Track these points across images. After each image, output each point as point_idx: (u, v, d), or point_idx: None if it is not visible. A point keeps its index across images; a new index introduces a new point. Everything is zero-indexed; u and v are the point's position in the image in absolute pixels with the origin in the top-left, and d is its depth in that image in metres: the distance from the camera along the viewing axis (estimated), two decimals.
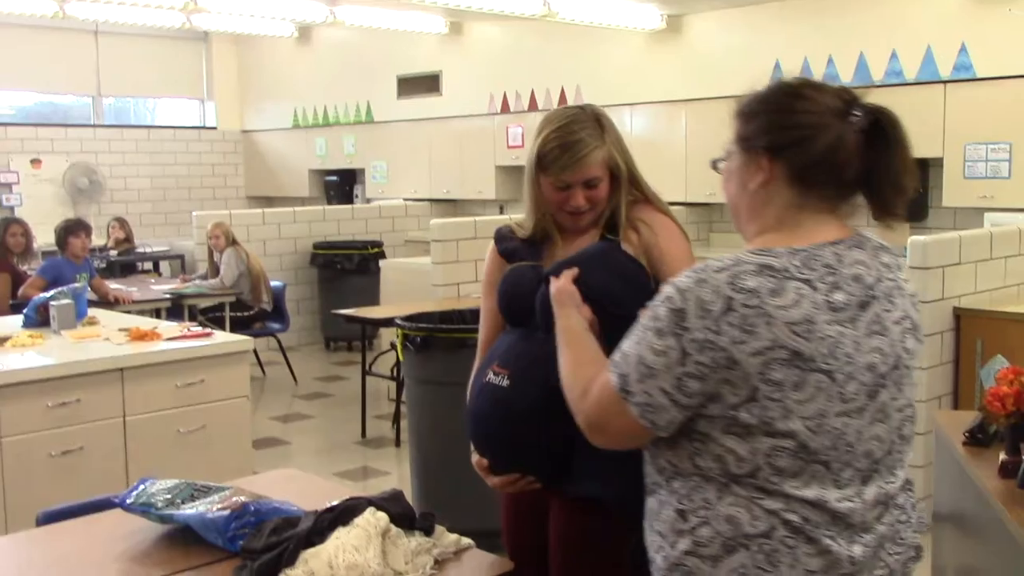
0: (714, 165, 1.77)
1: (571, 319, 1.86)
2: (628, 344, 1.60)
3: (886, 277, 1.61)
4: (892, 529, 1.62)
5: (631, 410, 1.57)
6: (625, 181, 2.17)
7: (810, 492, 1.53)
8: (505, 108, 9.50)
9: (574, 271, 1.94)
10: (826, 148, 1.56)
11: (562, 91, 9.02)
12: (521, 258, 2.23)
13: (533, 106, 9.26)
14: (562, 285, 1.91)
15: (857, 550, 1.56)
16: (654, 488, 1.67)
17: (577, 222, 2.18)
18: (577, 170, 2.11)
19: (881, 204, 1.60)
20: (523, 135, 9.26)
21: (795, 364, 1.49)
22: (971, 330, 4.60)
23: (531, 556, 2.22)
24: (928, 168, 6.77)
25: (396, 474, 5.51)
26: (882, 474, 1.60)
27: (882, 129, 1.57)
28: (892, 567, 1.61)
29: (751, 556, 1.54)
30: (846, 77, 7.06)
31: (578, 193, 2.13)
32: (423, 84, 10.25)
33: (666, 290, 1.56)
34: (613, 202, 2.16)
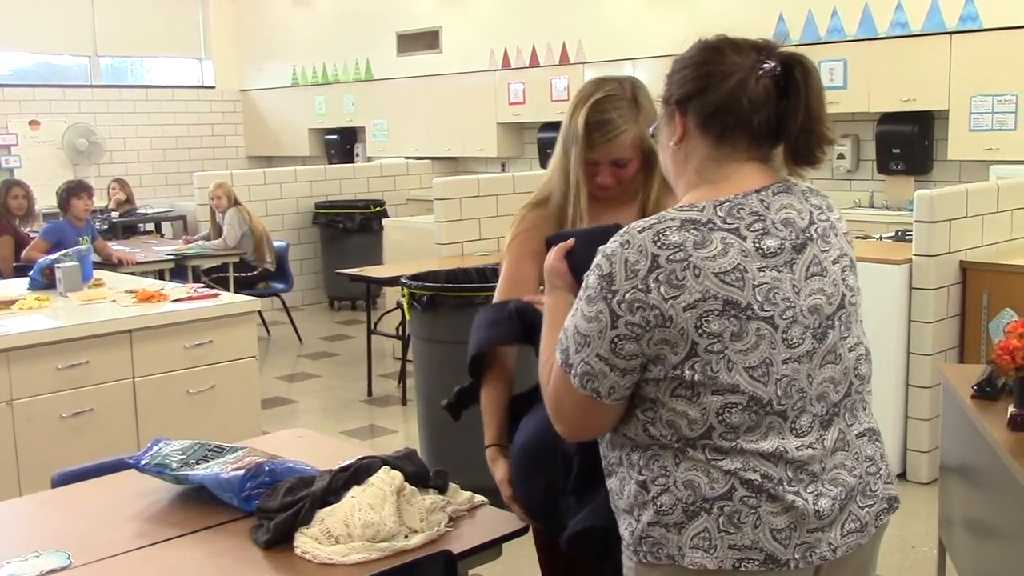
0: (652, 135, 1.78)
1: (555, 297, 1.77)
2: (567, 319, 1.58)
3: (818, 219, 1.60)
4: (861, 481, 1.60)
5: (575, 387, 1.55)
6: (659, 164, 2.15)
7: (768, 444, 1.52)
8: (506, 64, 9.42)
9: (567, 245, 1.80)
10: (727, 94, 1.56)
11: (563, 46, 8.94)
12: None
13: (534, 62, 9.18)
14: (551, 263, 1.80)
15: (824, 503, 1.55)
16: (613, 468, 1.65)
17: (603, 195, 2.18)
18: (605, 150, 2.10)
19: (793, 150, 1.58)
20: (524, 91, 9.19)
21: (730, 314, 1.48)
22: (977, 283, 4.59)
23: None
24: (933, 120, 6.73)
25: (403, 432, 5.54)
26: (842, 416, 1.60)
27: (792, 77, 1.56)
28: (863, 520, 1.60)
29: (713, 519, 1.52)
30: (851, 29, 7.00)
31: (605, 171, 2.13)
32: (423, 40, 10.16)
33: (596, 258, 1.55)
34: (645, 184, 2.15)
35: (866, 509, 1.61)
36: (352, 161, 10.88)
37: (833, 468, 1.57)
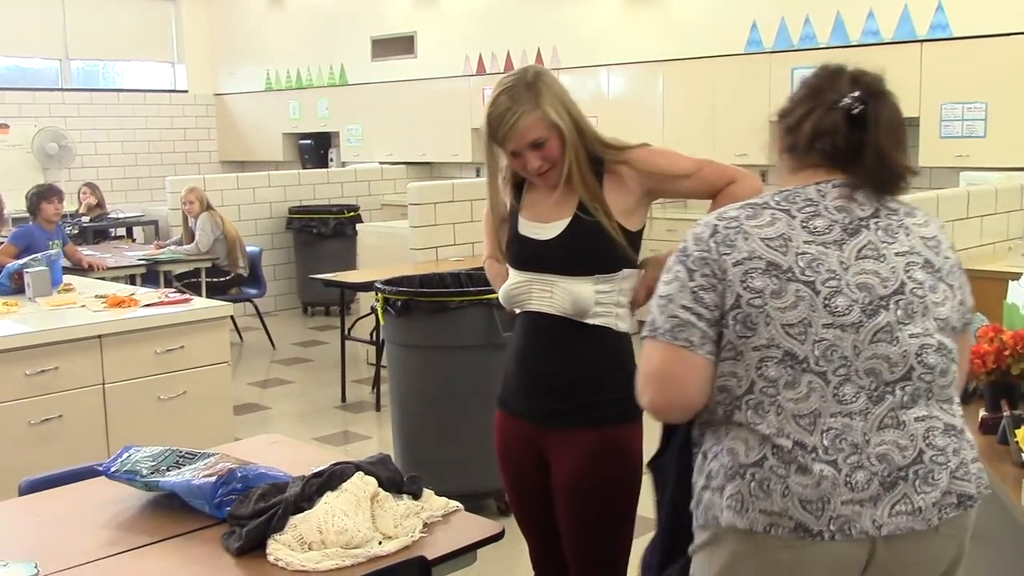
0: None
1: None
2: (651, 304, 1.80)
3: (887, 216, 1.73)
4: (921, 466, 1.64)
5: (662, 344, 1.70)
6: (572, 138, 2.18)
7: (807, 405, 1.62)
8: (481, 70, 9.41)
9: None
10: (796, 119, 1.77)
11: (538, 52, 8.95)
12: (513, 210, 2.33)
13: (509, 67, 9.18)
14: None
15: (860, 476, 1.61)
16: (694, 453, 1.78)
17: (546, 181, 2.23)
18: (514, 137, 2.16)
19: (871, 179, 1.72)
20: None
21: (772, 273, 1.65)
22: None
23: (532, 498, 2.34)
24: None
25: (377, 438, 5.51)
26: (898, 398, 1.65)
27: (867, 113, 1.71)
28: (919, 505, 1.63)
29: (746, 484, 1.64)
30: (823, 37, 7.05)
31: (529, 155, 2.18)
32: (397, 46, 10.14)
33: None
34: (567, 158, 2.18)
35: (923, 496, 1.64)
36: (326, 166, 10.84)
37: (881, 444, 1.63)
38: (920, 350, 1.66)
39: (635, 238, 2.25)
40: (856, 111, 1.70)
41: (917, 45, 6.62)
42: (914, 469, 1.64)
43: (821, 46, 7.03)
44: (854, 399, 1.63)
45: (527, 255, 2.26)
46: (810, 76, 1.80)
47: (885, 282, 1.66)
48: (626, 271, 2.24)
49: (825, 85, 1.75)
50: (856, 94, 1.71)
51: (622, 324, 2.26)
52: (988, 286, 4.49)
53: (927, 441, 1.66)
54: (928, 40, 6.59)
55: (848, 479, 1.60)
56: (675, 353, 1.68)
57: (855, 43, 6.89)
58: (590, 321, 2.21)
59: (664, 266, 1.78)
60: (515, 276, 2.29)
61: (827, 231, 1.68)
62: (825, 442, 1.61)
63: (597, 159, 2.23)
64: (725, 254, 1.67)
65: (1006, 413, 2.40)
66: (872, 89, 1.73)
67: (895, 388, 1.65)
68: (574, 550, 2.30)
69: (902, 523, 1.62)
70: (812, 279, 1.64)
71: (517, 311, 2.33)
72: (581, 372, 2.23)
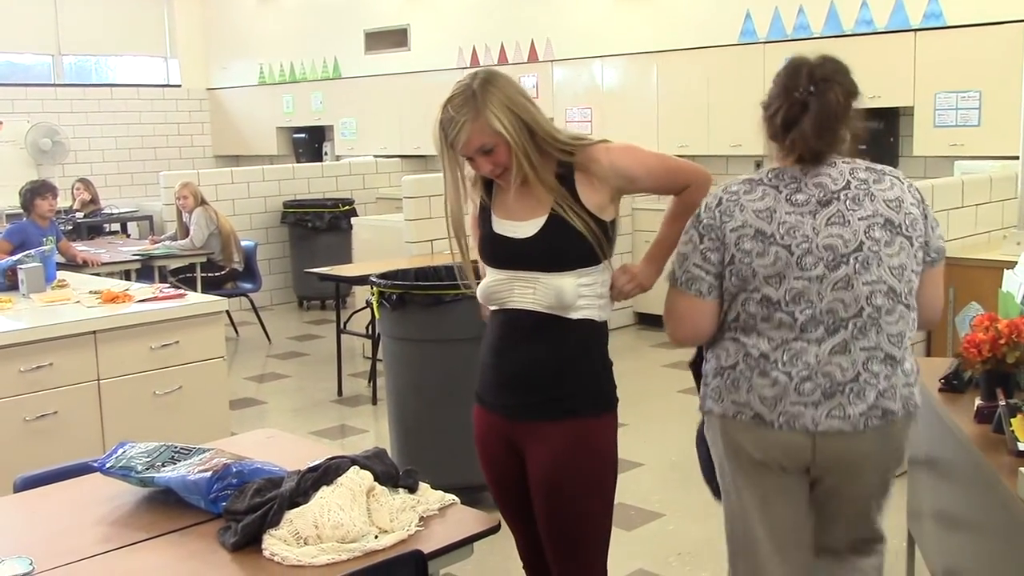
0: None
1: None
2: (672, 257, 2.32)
3: (856, 187, 2.18)
4: (856, 384, 2.15)
5: (680, 291, 2.24)
6: (519, 142, 2.18)
7: (777, 333, 2.17)
8: (475, 62, 9.39)
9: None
10: (770, 112, 2.21)
11: (532, 44, 8.94)
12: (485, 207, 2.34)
13: (503, 59, 9.17)
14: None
15: (807, 386, 2.14)
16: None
17: (504, 182, 2.25)
18: (461, 145, 2.19)
19: (795, 154, 2.20)
20: None
21: (759, 238, 2.16)
22: (943, 278, 4.62)
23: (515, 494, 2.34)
24: (898, 117, 6.79)
25: (373, 431, 5.51)
26: (850, 330, 2.15)
27: (808, 103, 2.14)
28: (849, 413, 2.15)
29: (723, 381, 2.23)
30: (817, 27, 7.04)
31: (479, 161, 2.22)
32: (391, 38, 10.12)
33: None
34: (515, 162, 2.19)
35: (853, 407, 2.15)
36: (320, 160, 10.82)
37: (829, 364, 2.15)
38: (871, 294, 2.14)
39: (610, 228, 2.27)
40: (808, 102, 2.13)
41: (911, 34, 6.62)
42: (849, 386, 2.15)
43: (815, 36, 7.02)
44: (814, 330, 2.14)
45: (506, 254, 2.25)
46: (780, 71, 2.21)
47: (847, 243, 2.13)
48: (605, 263, 2.26)
49: (788, 82, 2.17)
50: (809, 88, 2.13)
51: (603, 314, 2.29)
52: (983, 275, 4.52)
53: (865, 366, 2.16)
54: (922, 29, 6.58)
55: (797, 387, 2.14)
56: (689, 300, 2.24)
57: (849, 32, 6.88)
58: (573, 315, 2.22)
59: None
60: (494, 274, 2.29)
61: (805, 204, 2.16)
62: (784, 358, 2.15)
63: (567, 156, 2.23)
64: (725, 222, 2.18)
65: (1001, 402, 2.40)
66: (816, 78, 2.14)
67: (848, 323, 2.14)
68: (551, 544, 2.30)
69: (834, 424, 2.15)
70: (789, 243, 2.14)
71: (493, 308, 2.32)
72: (556, 364, 2.23)
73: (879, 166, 2.24)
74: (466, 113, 2.17)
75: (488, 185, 2.33)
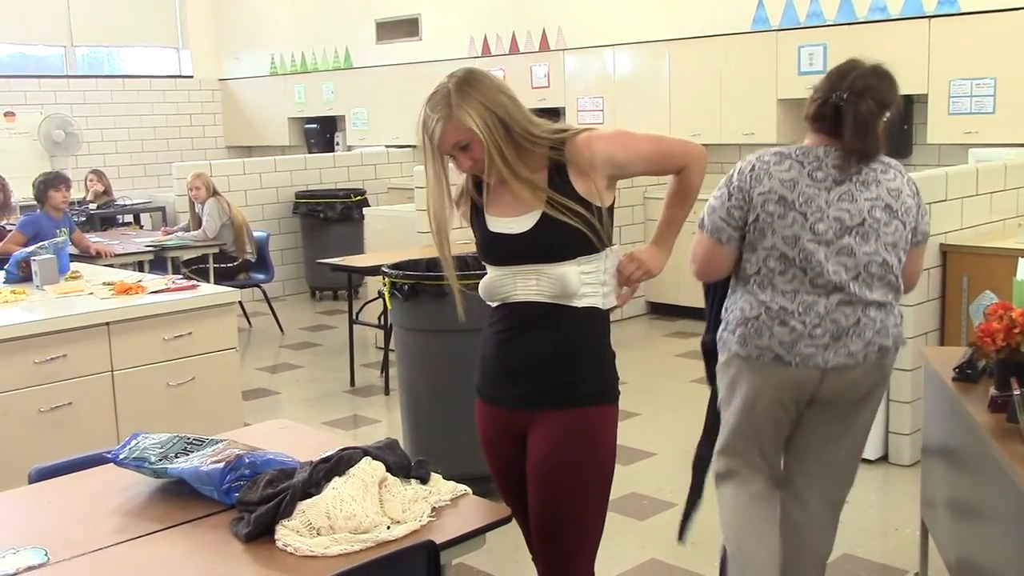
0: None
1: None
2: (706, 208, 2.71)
3: (866, 173, 2.60)
4: (857, 328, 2.58)
5: (706, 236, 2.68)
6: (493, 139, 2.18)
7: (791, 286, 2.58)
8: (486, 51, 9.38)
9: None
10: (811, 106, 2.66)
11: (543, 33, 8.91)
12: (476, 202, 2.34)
13: (514, 49, 9.15)
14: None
15: (818, 331, 2.57)
16: (725, 305, 2.76)
17: (487, 178, 2.25)
18: (440, 143, 2.22)
19: (846, 150, 2.60)
20: (504, 79, 9.14)
21: (781, 203, 2.58)
22: (957, 267, 4.61)
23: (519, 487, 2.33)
24: (913, 104, 6.74)
25: (386, 422, 5.52)
26: (847, 290, 2.57)
27: (843, 111, 2.56)
28: (852, 351, 2.59)
29: (748, 329, 2.63)
30: (830, 14, 7.00)
31: (458, 158, 2.24)
32: (402, 28, 10.10)
33: None
34: (488, 158, 2.19)
35: (855, 346, 2.59)
36: (332, 150, 10.82)
37: (834, 313, 2.57)
38: (868, 263, 2.59)
39: (608, 214, 2.26)
40: (840, 107, 2.54)
41: (925, 21, 6.56)
42: (853, 329, 2.58)
43: (828, 23, 6.98)
44: (822, 288, 2.57)
45: (505, 251, 2.25)
46: (836, 68, 2.63)
47: (853, 217, 2.57)
48: (607, 250, 2.25)
49: (834, 83, 2.59)
50: (843, 96, 2.53)
51: (607, 302, 2.28)
52: (997, 263, 4.49)
53: (864, 312, 2.59)
54: (936, 16, 6.53)
55: (810, 333, 2.57)
56: (713, 245, 2.67)
57: (862, 20, 6.83)
58: (577, 303, 2.22)
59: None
60: (495, 271, 2.28)
61: (823, 181, 2.58)
62: (800, 309, 2.58)
63: (557, 149, 2.23)
64: (754, 187, 2.60)
65: (1016, 391, 2.39)
66: (855, 89, 2.53)
67: (848, 284, 2.57)
68: (540, 539, 2.29)
69: (840, 360, 2.59)
70: (805, 211, 2.57)
71: (495, 304, 2.32)
72: (562, 351, 2.23)
73: (887, 159, 2.66)
74: (441, 110, 2.20)
75: (480, 186, 2.32)
